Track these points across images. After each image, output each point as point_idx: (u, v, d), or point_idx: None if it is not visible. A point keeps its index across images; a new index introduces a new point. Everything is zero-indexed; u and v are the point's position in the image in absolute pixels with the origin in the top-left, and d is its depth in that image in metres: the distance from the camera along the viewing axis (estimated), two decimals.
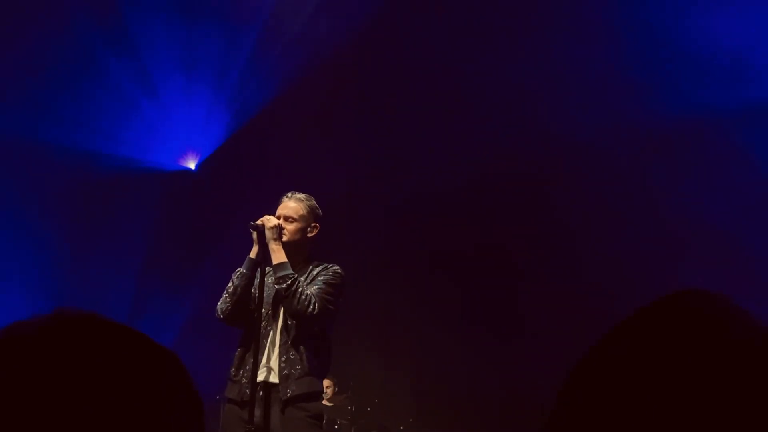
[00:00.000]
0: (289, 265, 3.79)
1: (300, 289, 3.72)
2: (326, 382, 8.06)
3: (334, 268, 3.97)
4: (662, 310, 0.74)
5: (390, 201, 8.68)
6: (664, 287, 0.81)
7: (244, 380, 3.75)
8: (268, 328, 3.83)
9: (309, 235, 3.99)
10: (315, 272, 3.94)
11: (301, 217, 3.96)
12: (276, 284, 3.77)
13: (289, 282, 3.72)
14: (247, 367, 3.75)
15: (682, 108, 7.06)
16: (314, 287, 3.81)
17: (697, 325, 0.71)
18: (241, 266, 3.93)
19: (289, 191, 4.06)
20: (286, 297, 3.73)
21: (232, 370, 3.84)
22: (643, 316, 0.74)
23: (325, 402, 7.81)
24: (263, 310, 3.81)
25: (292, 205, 3.98)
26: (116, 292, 7.82)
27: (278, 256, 3.81)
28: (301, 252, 3.95)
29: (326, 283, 3.86)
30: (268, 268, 3.91)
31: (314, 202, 4.05)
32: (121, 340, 0.75)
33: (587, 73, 7.32)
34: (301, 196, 4.02)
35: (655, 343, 0.70)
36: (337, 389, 8.44)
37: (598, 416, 0.69)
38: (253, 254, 3.91)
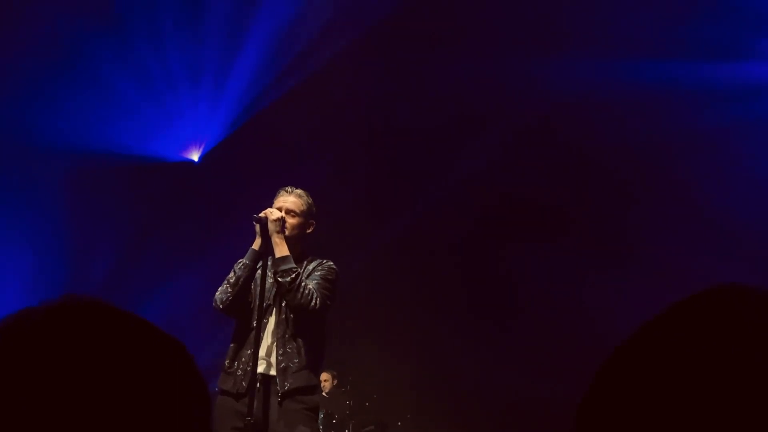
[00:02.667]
0: (291, 259, 3.79)
1: (303, 284, 3.74)
2: (325, 375, 8.08)
3: (329, 263, 3.98)
4: (698, 306, 0.69)
5: (393, 196, 8.67)
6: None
7: (239, 372, 3.74)
8: (265, 321, 3.83)
9: (307, 231, 4.01)
10: (311, 267, 3.95)
11: (302, 212, 3.97)
12: (279, 278, 3.76)
13: (293, 276, 3.73)
14: (243, 359, 3.75)
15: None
16: (313, 282, 3.83)
17: (734, 321, 0.66)
18: (242, 258, 3.94)
19: (288, 185, 4.06)
20: (289, 291, 3.72)
21: (227, 361, 3.82)
22: (677, 311, 0.70)
23: (324, 395, 7.84)
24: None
25: (293, 199, 3.98)
26: (117, 282, 7.83)
27: (281, 249, 3.81)
28: (297, 247, 3.95)
29: (323, 278, 3.88)
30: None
31: (312, 199, 4.05)
32: (130, 328, 0.75)
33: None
34: (300, 191, 4.02)
35: (690, 341, 0.66)
36: (336, 382, 8.44)
37: (630, 416, 0.66)
38: (256, 246, 3.91)
